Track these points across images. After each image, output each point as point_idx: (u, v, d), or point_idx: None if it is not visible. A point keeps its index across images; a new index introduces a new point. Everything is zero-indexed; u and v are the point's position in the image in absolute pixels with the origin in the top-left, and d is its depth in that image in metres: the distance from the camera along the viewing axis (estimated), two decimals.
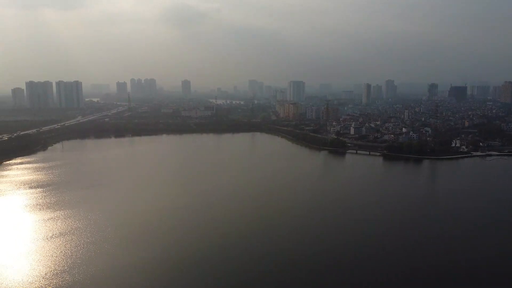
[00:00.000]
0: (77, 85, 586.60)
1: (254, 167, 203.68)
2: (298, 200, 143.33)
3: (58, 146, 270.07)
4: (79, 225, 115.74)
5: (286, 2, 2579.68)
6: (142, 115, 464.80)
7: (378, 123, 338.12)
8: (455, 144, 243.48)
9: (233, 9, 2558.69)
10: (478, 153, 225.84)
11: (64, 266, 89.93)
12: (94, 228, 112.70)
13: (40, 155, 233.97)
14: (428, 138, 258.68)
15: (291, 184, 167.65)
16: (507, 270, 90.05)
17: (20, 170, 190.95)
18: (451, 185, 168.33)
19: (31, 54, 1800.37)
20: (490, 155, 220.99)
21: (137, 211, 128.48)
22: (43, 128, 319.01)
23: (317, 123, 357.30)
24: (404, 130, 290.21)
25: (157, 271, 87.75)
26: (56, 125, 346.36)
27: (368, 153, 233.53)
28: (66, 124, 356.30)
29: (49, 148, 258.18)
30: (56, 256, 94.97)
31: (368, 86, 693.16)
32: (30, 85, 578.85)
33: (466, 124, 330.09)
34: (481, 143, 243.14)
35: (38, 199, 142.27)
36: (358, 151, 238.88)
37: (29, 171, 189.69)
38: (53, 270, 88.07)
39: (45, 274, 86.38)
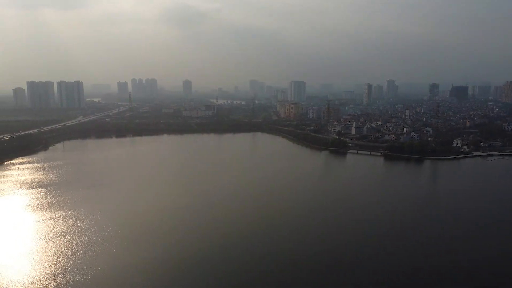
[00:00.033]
0: (78, 85, 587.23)
1: (255, 167, 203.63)
2: (299, 200, 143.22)
3: (59, 146, 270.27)
4: (80, 225, 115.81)
5: (287, 2, 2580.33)
6: (143, 115, 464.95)
7: (379, 123, 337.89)
8: (456, 144, 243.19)
9: (233, 9, 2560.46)
10: (480, 153, 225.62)
11: (65, 266, 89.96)
12: (95, 228, 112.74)
13: (41, 155, 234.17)
14: (429, 138, 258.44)
15: (292, 184, 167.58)
16: (509, 270, 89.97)
17: (21, 170, 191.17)
18: (452, 185, 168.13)
19: (32, 54, 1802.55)
20: (492, 155, 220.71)
21: (138, 211, 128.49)
22: (44, 128, 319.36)
23: (318, 123, 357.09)
24: (405, 130, 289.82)
25: (158, 271, 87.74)
26: (57, 125, 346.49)
27: (369, 153, 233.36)
28: (67, 124, 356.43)
29: (50, 148, 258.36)
30: (57, 256, 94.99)
31: (369, 86, 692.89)
32: (31, 85, 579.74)
33: (468, 124, 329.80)
34: (482, 143, 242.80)
35: (39, 199, 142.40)
36: (359, 151, 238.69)
37: (30, 171, 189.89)
38: (54, 270, 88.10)
39: (46, 274, 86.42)
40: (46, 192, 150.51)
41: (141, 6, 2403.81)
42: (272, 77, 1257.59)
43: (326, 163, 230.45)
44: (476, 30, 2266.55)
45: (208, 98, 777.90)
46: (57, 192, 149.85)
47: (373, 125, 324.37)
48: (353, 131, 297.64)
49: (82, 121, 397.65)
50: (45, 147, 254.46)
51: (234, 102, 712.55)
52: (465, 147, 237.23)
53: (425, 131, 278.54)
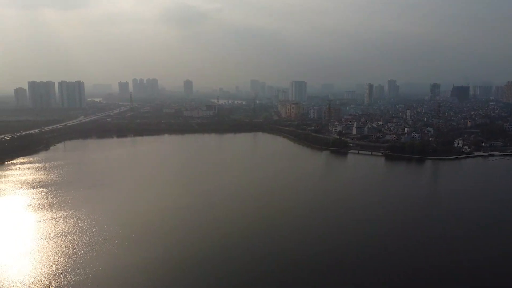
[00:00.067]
0: (79, 85, 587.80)
1: (256, 167, 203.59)
2: (300, 200, 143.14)
3: (60, 146, 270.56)
4: (81, 224, 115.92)
5: (287, 2, 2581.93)
6: (144, 115, 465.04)
7: (380, 123, 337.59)
8: (458, 144, 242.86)
9: (234, 9, 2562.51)
10: (481, 153, 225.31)
11: (66, 266, 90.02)
12: (96, 228, 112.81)
13: (42, 155, 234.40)
14: (430, 138, 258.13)
15: (292, 184, 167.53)
16: (510, 270, 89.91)
17: (22, 170, 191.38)
18: (454, 185, 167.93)
19: (33, 54, 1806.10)
20: (493, 155, 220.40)
21: (139, 211, 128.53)
22: (45, 128, 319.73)
23: (319, 123, 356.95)
24: (406, 130, 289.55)
25: (159, 271, 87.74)
26: (58, 125, 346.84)
27: (370, 153, 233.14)
28: (68, 124, 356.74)
29: (51, 148, 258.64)
30: (58, 256, 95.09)
31: (370, 86, 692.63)
32: (33, 85, 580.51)
33: (469, 124, 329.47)
34: (483, 143, 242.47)
35: (40, 198, 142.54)
36: (360, 151, 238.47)
37: (31, 170, 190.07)
38: (55, 269, 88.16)
39: (47, 274, 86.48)
40: (47, 192, 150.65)
41: (141, 6, 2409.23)
42: (273, 77, 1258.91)
43: (327, 163, 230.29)
44: (477, 30, 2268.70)
45: (209, 98, 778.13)
46: (58, 192, 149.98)
47: (374, 125, 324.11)
48: (354, 131, 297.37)
49: (83, 121, 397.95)
50: (46, 147, 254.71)
51: (235, 102, 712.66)
52: (466, 147, 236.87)
53: (426, 131, 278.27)
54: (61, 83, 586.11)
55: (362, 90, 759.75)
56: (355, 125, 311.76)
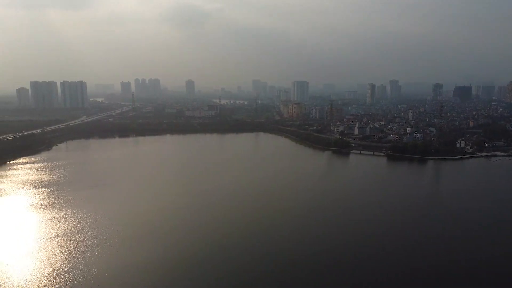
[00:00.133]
0: (81, 85, 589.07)
1: (257, 167, 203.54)
2: (300, 200, 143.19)
3: (62, 146, 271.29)
4: (82, 224, 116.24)
5: (289, 2, 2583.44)
6: (146, 115, 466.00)
7: (382, 123, 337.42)
8: (460, 144, 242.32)
9: (236, 9, 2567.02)
10: (483, 154, 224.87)
11: (68, 265, 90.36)
12: (97, 228, 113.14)
13: (44, 154, 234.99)
14: (432, 139, 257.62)
15: (293, 184, 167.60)
16: (509, 271, 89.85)
17: (24, 170, 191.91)
18: (455, 185, 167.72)
19: (36, 54, 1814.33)
20: (495, 156, 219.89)
21: (140, 211, 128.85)
22: (47, 128, 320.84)
23: (321, 123, 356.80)
24: (408, 130, 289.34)
25: (159, 271, 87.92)
26: (60, 125, 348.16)
27: (372, 153, 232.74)
28: (70, 124, 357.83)
29: (54, 148, 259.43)
30: (60, 256, 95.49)
31: (372, 86, 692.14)
32: (35, 85, 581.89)
33: (471, 124, 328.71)
34: (486, 144, 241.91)
35: (42, 198, 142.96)
36: (362, 152, 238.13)
37: (33, 170, 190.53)
38: (57, 269, 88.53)
39: (49, 273, 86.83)
40: (49, 191, 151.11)
41: (143, 6, 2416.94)
42: (275, 77, 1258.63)
43: (328, 163, 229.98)
44: (478, 30, 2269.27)
45: (211, 98, 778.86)
46: (60, 192, 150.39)
47: (376, 125, 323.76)
48: (356, 131, 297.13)
49: (85, 121, 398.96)
50: (48, 147, 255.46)
51: (237, 102, 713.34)
52: (468, 147, 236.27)
53: (428, 131, 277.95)
54: (63, 83, 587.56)
55: (364, 90, 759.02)
56: (357, 125, 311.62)
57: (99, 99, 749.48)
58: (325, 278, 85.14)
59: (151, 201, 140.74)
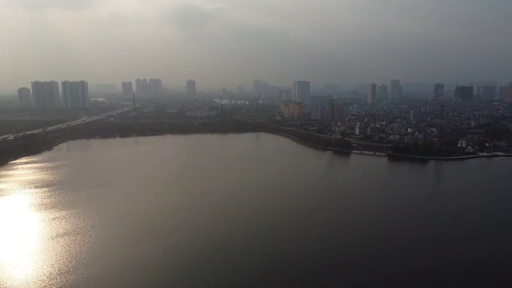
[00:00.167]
0: (82, 85, 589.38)
1: (258, 167, 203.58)
2: (300, 200, 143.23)
3: (63, 146, 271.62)
4: (83, 224, 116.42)
5: (290, 2, 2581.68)
6: (147, 115, 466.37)
7: (384, 123, 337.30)
8: (461, 144, 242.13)
9: (237, 9, 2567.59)
10: (484, 154, 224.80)
11: (68, 265, 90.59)
12: (98, 228, 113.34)
13: (45, 154, 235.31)
14: (433, 139, 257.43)
15: (293, 184, 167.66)
16: (509, 271, 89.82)
17: (25, 170, 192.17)
18: (456, 185, 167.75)
19: (37, 54, 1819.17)
20: (497, 156, 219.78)
21: (141, 211, 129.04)
22: (48, 128, 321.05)
23: (322, 123, 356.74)
24: (409, 130, 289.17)
25: (159, 271, 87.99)
26: (61, 125, 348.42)
27: (373, 153, 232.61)
28: (71, 124, 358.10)
29: (55, 147, 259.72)
30: (61, 256, 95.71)
31: (374, 86, 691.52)
32: (36, 85, 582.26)
33: (472, 124, 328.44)
34: (487, 144, 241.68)
35: (43, 198, 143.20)
36: (363, 152, 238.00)
37: (34, 170, 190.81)
38: (58, 269, 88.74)
39: (50, 273, 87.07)
40: (50, 191, 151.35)
41: (144, 6, 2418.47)
42: (275, 77, 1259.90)
43: (329, 163, 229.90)
44: (479, 30, 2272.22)
45: (212, 98, 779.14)
46: (61, 192, 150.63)
47: (377, 125, 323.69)
48: (357, 131, 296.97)
49: (86, 121, 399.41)
50: (49, 147, 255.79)
51: (238, 102, 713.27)
52: (469, 147, 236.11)
53: (429, 132, 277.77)
54: (64, 83, 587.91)
55: (365, 90, 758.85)
56: (358, 125, 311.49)
57: (100, 99, 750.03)
58: (325, 278, 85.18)
59: (152, 201, 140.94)
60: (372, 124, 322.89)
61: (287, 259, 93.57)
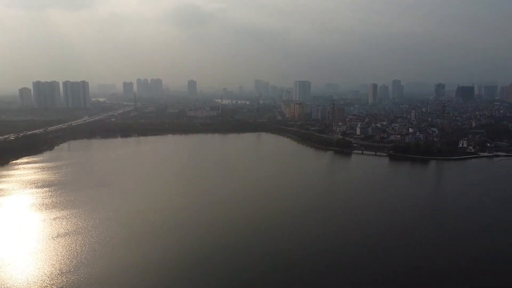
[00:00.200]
0: (83, 85, 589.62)
1: (258, 167, 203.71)
2: (300, 200, 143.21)
3: (64, 145, 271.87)
4: (84, 224, 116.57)
5: (291, 2, 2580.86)
6: (148, 115, 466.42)
7: (385, 123, 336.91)
8: (462, 144, 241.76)
9: (238, 9, 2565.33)
10: (486, 154, 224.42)
11: (69, 265, 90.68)
12: (99, 228, 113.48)
13: (46, 154, 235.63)
14: (435, 139, 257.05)
15: (293, 184, 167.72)
16: (508, 271, 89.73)
17: (26, 170, 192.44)
18: (457, 185, 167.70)
19: (37, 54, 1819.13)
20: (498, 156, 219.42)
21: (141, 211, 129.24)
22: (49, 128, 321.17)
23: (323, 123, 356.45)
24: (410, 130, 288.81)
25: (159, 271, 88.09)
26: (62, 125, 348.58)
27: (374, 153, 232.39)
28: (72, 124, 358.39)
29: (56, 147, 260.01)
30: (62, 256, 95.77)
31: (375, 86, 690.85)
32: (37, 85, 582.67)
33: (473, 124, 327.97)
34: (488, 144, 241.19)
35: (44, 198, 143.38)
36: (364, 152, 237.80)
37: (35, 170, 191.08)
38: (59, 269, 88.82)
39: (51, 273, 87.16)
40: (51, 191, 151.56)
41: (145, 6, 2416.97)
42: (276, 77, 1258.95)
43: (330, 163, 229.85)
44: (479, 30, 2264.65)
45: (213, 98, 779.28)
46: (62, 192, 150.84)
47: (379, 125, 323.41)
48: (358, 131, 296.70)
49: (87, 121, 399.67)
50: (50, 147, 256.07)
51: (239, 102, 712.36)
52: (471, 147, 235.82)
53: (430, 132, 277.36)
54: (65, 83, 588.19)
55: (366, 90, 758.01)
56: (359, 125, 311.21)
57: (101, 99, 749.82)
58: (325, 278, 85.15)
59: (152, 201, 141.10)
60: (373, 124, 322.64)
61: (287, 259, 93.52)
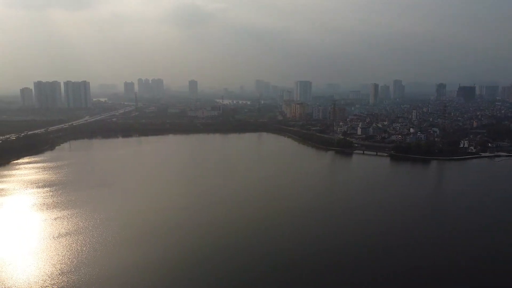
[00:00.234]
0: (84, 85, 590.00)
1: (259, 167, 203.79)
2: (300, 200, 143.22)
3: (65, 145, 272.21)
4: (85, 224, 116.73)
5: (291, 2, 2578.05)
6: (149, 115, 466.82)
7: (386, 123, 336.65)
8: (464, 144, 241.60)
9: (239, 9, 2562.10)
10: (487, 154, 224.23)
11: (70, 265, 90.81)
12: (99, 228, 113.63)
13: (47, 154, 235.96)
14: (436, 139, 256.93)
15: (294, 184, 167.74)
16: (508, 270, 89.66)
17: (27, 170, 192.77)
18: (458, 185, 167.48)
19: (38, 54, 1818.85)
20: (499, 156, 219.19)
21: (142, 211, 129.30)
22: (51, 128, 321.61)
23: (323, 123, 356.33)
24: (411, 130, 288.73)
25: (160, 271, 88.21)
26: (63, 125, 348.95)
27: (375, 153, 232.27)
28: (73, 124, 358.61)
29: (57, 147, 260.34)
30: (63, 255, 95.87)
31: (376, 86, 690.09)
32: (38, 85, 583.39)
33: (475, 124, 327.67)
34: (489, 144, 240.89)
35: (45, 198, 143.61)
36: (365, 152, 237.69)
37: (36, 170, 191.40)
38: (60, 269, 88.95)
39: (52, 273, 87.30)
40: (52, 191, 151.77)
41: (146, 6, 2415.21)
42: (277, 77, 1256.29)
43: (331, 163, 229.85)
44: (479, 30, 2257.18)
45: (214, 98, 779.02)
46: (63, 192, 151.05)
47: (380, 125, 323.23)
48: (359, 131, 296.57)
49: (88, 121, 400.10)
50: (51, 147, 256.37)
51: (240, 102, 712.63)
52: (472, 147, 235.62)
53: (432, 132, 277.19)
54: (66, 83, 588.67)
55: (367, 90, 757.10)
56: (360, 125, 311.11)
57: (102, 99, 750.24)
58: (325, 278, 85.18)
59: (153, 201, 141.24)
60: (374, 124, 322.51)
61: (287, 259, 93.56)
